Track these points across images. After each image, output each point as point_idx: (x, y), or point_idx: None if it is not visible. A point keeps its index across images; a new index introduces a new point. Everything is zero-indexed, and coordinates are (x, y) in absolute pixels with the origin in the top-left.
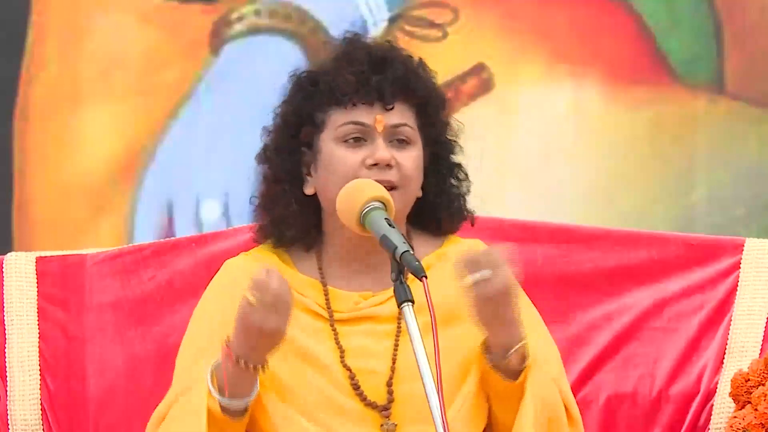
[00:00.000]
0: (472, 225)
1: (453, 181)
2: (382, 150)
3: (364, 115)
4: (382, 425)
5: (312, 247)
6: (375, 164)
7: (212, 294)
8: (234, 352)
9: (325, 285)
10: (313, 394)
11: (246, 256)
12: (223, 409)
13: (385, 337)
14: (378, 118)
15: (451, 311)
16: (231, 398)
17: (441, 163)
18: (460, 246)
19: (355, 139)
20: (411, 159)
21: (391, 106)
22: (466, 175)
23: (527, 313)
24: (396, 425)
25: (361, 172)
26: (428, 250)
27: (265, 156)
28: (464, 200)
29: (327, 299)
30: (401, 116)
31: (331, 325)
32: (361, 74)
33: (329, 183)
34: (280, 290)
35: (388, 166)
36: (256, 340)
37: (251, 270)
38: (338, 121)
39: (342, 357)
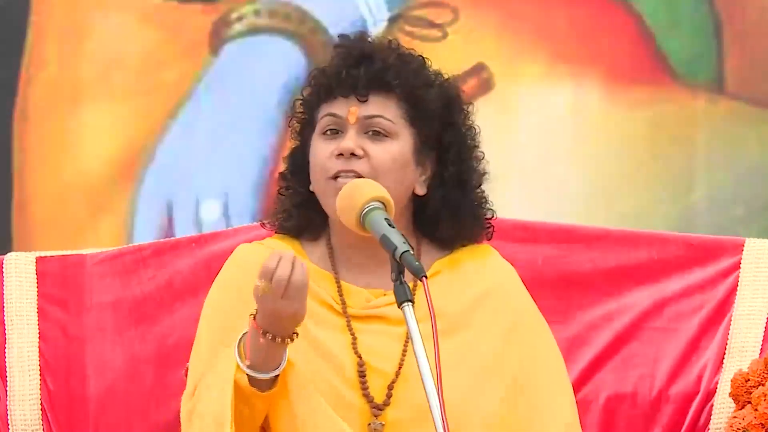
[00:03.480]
0: (489, 239)
1: (463, 189)
2: (347, 140)
3: (339, 107)
4: (369, 424)
5: (319, 237)
6: (341, 154)
7: (226, 277)
8: (260, 326)
9: (337, 277)
10: (315, 377)
11: (259, 244)
12: (251, 381)
13: (395, 339)
14: (351, 110)
15: (464, 318)
16: (259, 371)
17: (445, 167)
18: (471, 251)
19: (332, 131)
20: (384, 151)
21: (365, 98)
22: (480, 183)
23: (540, 339)
24: (383, 425)
25: (331, 162)
26: (439, 255)
27: (287, 157)
28: (477, 211)
29: (340, 291)
30: (377, 108)
31: (345, 316)
32: (338, 68)
33: (312, 176)
34: (290, 278)
35: (354, 155)
36: (276, 321)
37: (263, 257)
38: (320, 114)
39: (354, 345)
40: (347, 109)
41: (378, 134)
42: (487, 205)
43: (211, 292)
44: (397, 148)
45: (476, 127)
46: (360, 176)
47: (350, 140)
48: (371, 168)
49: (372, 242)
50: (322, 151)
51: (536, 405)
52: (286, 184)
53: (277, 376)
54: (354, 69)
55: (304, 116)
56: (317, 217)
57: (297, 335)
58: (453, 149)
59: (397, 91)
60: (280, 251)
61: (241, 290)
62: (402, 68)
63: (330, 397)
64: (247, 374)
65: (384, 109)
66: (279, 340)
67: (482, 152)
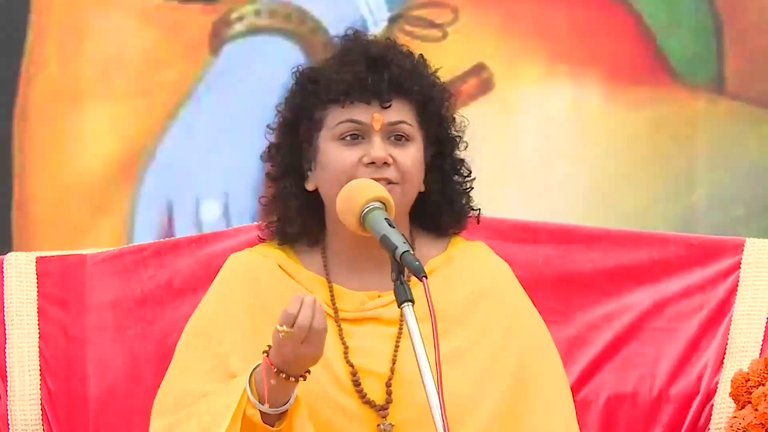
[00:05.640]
0: (478, 223)
1: (456, 179)
2: (377, 148)
3: (361, 113)
4: (378, 425)
5: (316, 243)
6: (372, 162)
7: (217, 288)
8: (274, 364)
9: (330, 282)
10: (313, 389)
11: (250, 252)
12: (264, 416)
13: (388, 339)
14: (375, 117)
15: (460, 316)
16: (271, 406)
17: (443, 160)
18: (465, 248)
19: (352, 137)
20: (409, 156)
21: (388, 104)
22: (470, 171)
23: (537, 337)
24: (393, 425)
25: (359, 170)
26: (434, 252)
27: (270, 154)
28: (468, 198)
29: (332, 297)
30: (399, 114)
31: (336, 323)
32: (358, 73)
33: (328, 181)
34: (312, 324)
35: (386, 164)
36: (294, 363)
37: (255, 265)
38: (336, 119)
39: (345, 353)
40: (371, 116)
41: (400, 139)
42: (471, 189)
43: (202, 302)
44: (417, 151)
45: (457, 114)
46: (391, 183)
47: (380, 149)
48: (400, 174)
49: (370, 243)
50: (345, 159)
51: (534, 401)
52: (282, 185)
53: (286, 411)
54: (374, 74)
55: (299, 113)
56: (317, 220)
57: (309, 373)
58: (448, 141)
59: (417, 97)
60: (301, 295)
61: (232, 303)
62: (416, 72)
63: (331, 406)
64: (260, 411)
65: (405, 115)
66: (292, 379)
67: (465, 140)
